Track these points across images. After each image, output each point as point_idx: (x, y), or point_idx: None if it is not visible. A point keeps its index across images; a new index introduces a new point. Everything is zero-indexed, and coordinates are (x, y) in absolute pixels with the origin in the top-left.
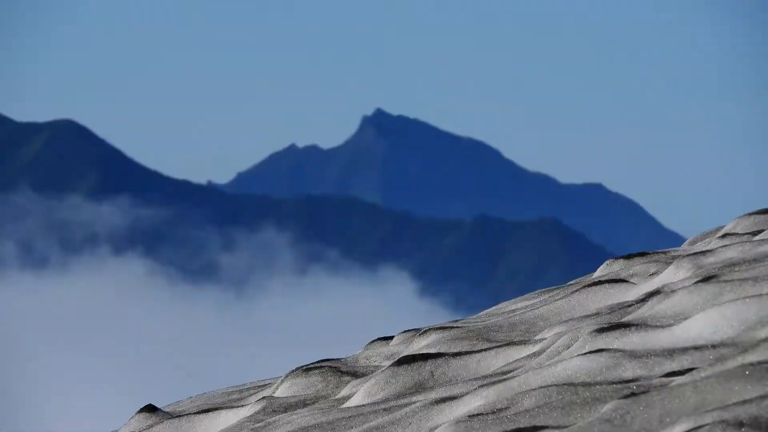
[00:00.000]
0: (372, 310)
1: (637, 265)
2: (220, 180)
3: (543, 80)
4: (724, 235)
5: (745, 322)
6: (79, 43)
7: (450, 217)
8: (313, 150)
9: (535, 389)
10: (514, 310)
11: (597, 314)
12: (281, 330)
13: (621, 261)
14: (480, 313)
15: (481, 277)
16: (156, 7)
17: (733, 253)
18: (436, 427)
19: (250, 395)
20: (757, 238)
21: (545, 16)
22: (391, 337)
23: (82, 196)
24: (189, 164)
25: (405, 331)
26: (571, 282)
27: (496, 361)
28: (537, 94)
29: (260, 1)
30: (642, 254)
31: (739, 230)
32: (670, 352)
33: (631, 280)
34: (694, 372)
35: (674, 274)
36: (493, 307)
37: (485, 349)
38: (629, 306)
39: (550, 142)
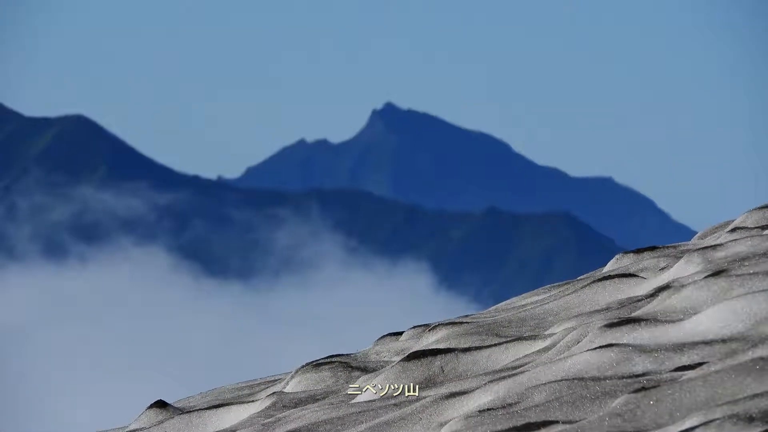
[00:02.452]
0: (383, 303)
1: (647, 260)
2: (230, 175)
3: (552, 74)
4: (733, 229)
5: (755, 316)
6: (89, 38)
7: (460, 210)
8: (323, 144)
9: (545, 384)
10: (523, 305)
11: (607, 309)
12: (296, 325)
13: (631, 255)
14: (490, 308)
15: (491, 270)
16: (165, 3)
17: (742, 247)
18: (446, 423)
19: (261, 390)
20: (767, 232)
21: (554, 11)
22: (401, 333)
23: (92, 191)
24: (199, 159)
25: (415, 327)
26: (581, 277)
27: (506, 356)
28: (546, 88)
29: None
30: (652, 248)
31: (749, 224)
32: (680, 347)
33: (641, 275)
34: (704, 366)
35: (684, 268)
36: (503, 303)
37: (495, 345)
38: (639, 301)
39: (560, 136)
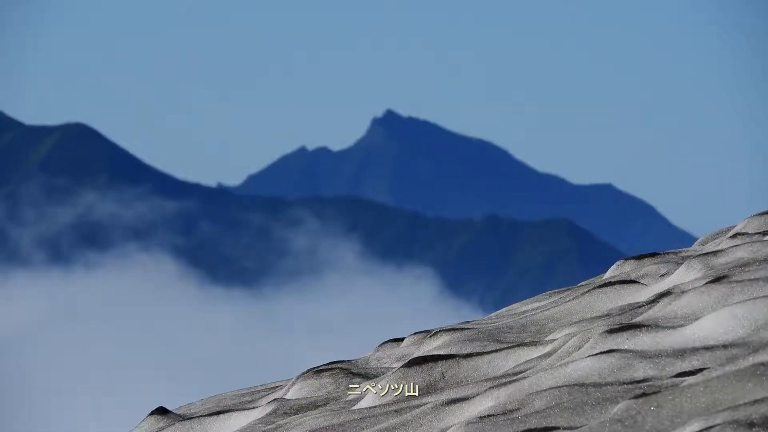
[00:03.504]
0: (385, 311)
1: (648, 266)
2: (230, 182)
3: (552, 81)
4: (734, 235)
5: (756, 322)
6: (89, 45)
7: (461, 218)
8: (323, 152)
9: (546, 390)
10: (524, 312)
11: (608, 315)
12: (300, 331)
13: (632, 261)
14: (491, 315)
15: (492, 277)
16: (165, 11)
17: (743, 253)
18: (447, 429)
19: (261, 397)
20: (767, 237)
21: (554, 15)
22: (402, 339)
23: (93, 198)
24: (199, 167)
25: (416, 333)
26: (582, 283)
27: (506, 362)
28: (546, 95)
29: (269, 3)
30: (653, 255)
31: (749, 230)
32: (681, 353)
33: (642, 281)
34: (705, 372)
35: (685, 274)
36: (504, 309)
37: (496, 351)
38: (640, 307)
39: (560, 143)
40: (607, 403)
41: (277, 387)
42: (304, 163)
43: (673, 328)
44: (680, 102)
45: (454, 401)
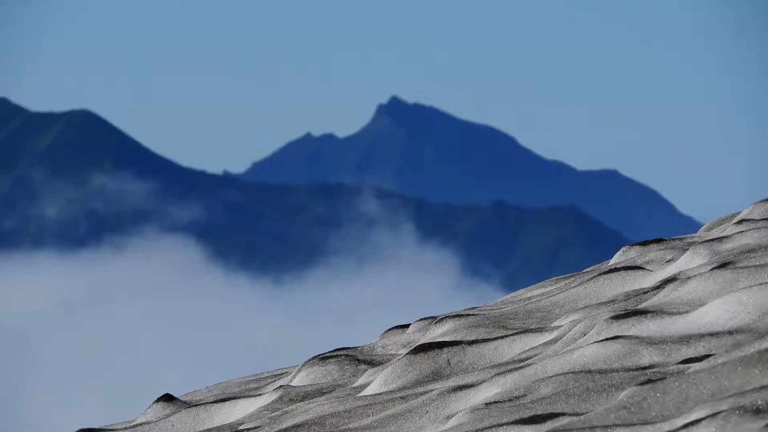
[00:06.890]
0: (392, 297)
1: (653, 252)
2: (235, 169)
3: (558, 68)
4: (740, 221)
5: (762, 308)
6: (95, 33)
7: (466, 204)
8: (329, 138)
9: (552, 377)
10: (530, 298)
11: (613, 301)
12: (313, 319)
13: (637, 248)
14: (496, 301)
15: (498, 263)
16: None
17: (749, 239)
18: (452, 415)
19: (267, 384)
20: None
21: (558, 7)
22: (408, 325)
23: (98, 186)
24: (204, 154)
25: (421, 319)
26: (587, 269)
27: (512, 348)
28: (552, 82)
29: None
30: (658, 241)
31: (755, 216)
32: (687, 339)
33: (647, 267)
34: (710, 358)
35: (690, 260)
36: (510, 295)
37: (501, 337)
38: (645, 293)
39: (566, 130)
40: (613, 389)
41: (283, 374)
42: (310, 150)
43: (679, 314)
44: (686, 88)
45: (459, 388)
